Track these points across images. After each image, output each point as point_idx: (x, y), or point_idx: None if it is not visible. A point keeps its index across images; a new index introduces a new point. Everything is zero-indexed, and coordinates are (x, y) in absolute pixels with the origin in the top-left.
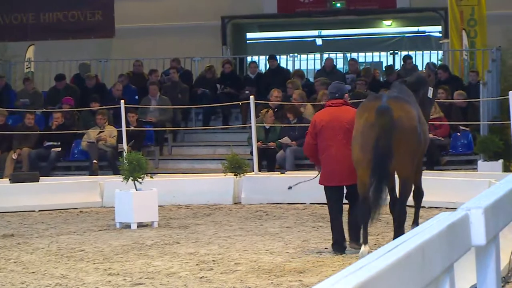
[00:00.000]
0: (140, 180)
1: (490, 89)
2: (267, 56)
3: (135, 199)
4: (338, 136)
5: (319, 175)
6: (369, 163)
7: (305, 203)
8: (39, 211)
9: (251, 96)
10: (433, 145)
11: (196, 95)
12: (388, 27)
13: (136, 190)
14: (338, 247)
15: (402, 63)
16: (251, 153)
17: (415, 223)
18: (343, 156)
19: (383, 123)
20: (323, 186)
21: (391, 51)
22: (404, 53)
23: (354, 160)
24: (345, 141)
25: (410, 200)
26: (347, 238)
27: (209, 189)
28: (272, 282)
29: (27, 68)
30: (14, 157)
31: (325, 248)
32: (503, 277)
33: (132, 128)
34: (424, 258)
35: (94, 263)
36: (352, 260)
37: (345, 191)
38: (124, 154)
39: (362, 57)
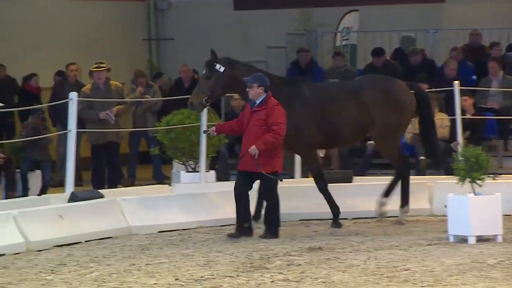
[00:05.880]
0: (479, 182)
1: None
2: None
3: (473, 206)
4: None
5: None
6: None
7: None
8: (353, 219)
9: None
10: None
11: None
12: None
13: (475, 194)
14: None
15: None
16: None
17: None
18: None
19: None
20: None
21: None
22: None
23: None
24: None
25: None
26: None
27: None
28: None
29: (344, 40)
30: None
31: None
32: None
33: (468, 116)
34: None
35: (423, 286)
36: None
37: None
38: (459, 149)
39: None
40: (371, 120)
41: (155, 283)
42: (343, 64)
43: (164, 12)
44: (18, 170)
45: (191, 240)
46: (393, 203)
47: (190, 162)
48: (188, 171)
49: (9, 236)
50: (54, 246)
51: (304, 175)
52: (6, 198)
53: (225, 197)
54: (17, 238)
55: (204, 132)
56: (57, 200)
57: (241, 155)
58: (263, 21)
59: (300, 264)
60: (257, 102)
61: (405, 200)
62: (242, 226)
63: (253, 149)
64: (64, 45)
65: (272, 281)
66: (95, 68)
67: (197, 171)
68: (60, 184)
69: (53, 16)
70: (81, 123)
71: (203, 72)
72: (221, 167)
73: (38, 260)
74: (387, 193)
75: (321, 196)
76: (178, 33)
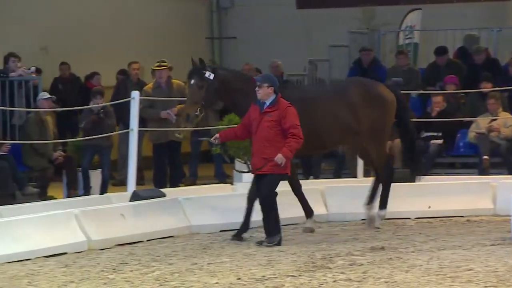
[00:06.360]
0: None
1: None
2: None
3: None
4: None
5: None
6: None
7: None
8: (415, 218)
9: None
10: None
11: None
12: None
13: None
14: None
15: None
16: None
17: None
18: None
19: None
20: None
21: None
22: None
23: None
24: None
25: None
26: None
27: None
28: None
29: (407, 39)
30: None
31: None
32: None
33: None
34: None
35: (486, 286)
36: None
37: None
38: None
39: None
40: (358, 120)
41: (217, 283)
42: (406, 63)
43: (227, 11)
44: (80, 169)
45: (252, 240)
46: (456, 203)
47: None
48: (250, 170)
49: (71, 235)
50: (116, 245)
51: (366, 174)
52: (68, 196)
53: (287, 196)
54: (79, 237)
55: (209, 143)
56: (119, 199)
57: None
58: (326, 20)
59: (362, 264)
60: (267, 103)
61: (383, 204)
62: (274, 239)
63: (280, 157)
64: (126, 44)
65: (334, 281)
66: (157, 66)
67: None
68: (122, 183)
69: (116, 15)
70: (142, 122)
71: (191, 82)
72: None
73: (100, 259)
74: (371, 199)
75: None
76: (240, 32)
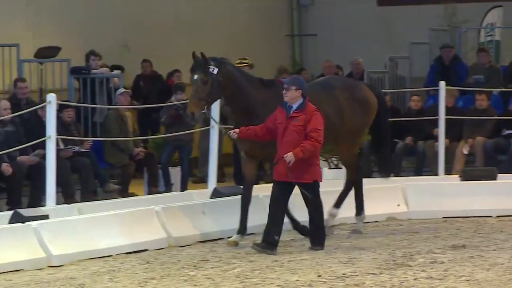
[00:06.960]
0: None
1: None
2: None
3: None
4: None
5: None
6: None
7: None
8: (497, 216)
9: None
10: None
11: None
12: None
13: None
14: None
15: None
16: None
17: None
18: None
19: None
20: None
21: None
22: None
23: None
24: None
25: None
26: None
27: None
28: None
29: (488, 36)
30: (465, 151)
31: None
32: None
33: None
34: None
35: None
36: None
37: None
38: None
39: None
40: (343, 121)
41: (297, 280)
42: (488, 61)
43: (307, 8)
44: (160, 166)
45: (333, 237)
46: None
47: (333, 159)
48: (330, 168)
49: (152, 232)
50: (196, 242)
51: (447, 172)
52: (149, 193)
53: (366, 194)
54: (160, 234)
55: (226, 133)
56: (200, 196)
57: (275, 161)
58: (406, 17)
59: (443, 262)
60: (294, 106)
61: (360, 208)
62: (271, 238)
63: (289, 156)
64: (207, 41)
65: (415, 279)
66: (238, 64)
67: (340, 168)
68: (202, 180)
69: (197, 12)
70: (223, 119)
71: (195, 77)
72: (363, 164)
73: (180, 256)
74: (338, 203)
75: (465, 193)
76: (320, 29)
